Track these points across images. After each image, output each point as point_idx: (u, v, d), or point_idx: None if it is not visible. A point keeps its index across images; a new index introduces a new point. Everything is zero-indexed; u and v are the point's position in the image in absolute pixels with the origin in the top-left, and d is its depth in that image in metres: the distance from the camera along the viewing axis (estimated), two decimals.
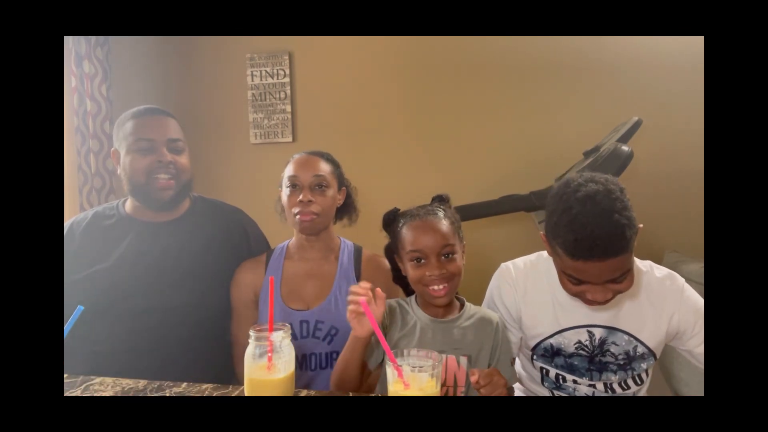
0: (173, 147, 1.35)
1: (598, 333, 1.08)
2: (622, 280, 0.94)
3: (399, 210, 1.14)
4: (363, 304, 0.91)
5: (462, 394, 1.04)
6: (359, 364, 1.01)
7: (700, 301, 1.08)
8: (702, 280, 1.73)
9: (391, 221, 1.13)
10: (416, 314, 1.08)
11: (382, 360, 1.02)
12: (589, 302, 0.98)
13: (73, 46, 2.34)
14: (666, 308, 1.07)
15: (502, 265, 1.20)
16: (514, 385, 1.21)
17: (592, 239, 0.88)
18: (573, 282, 0.97)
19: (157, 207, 1.35)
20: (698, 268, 1.80)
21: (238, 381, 1.25)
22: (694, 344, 1.09)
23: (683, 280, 1.10)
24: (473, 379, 0.89)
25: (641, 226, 0.96)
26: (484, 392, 0.89)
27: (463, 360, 1.04)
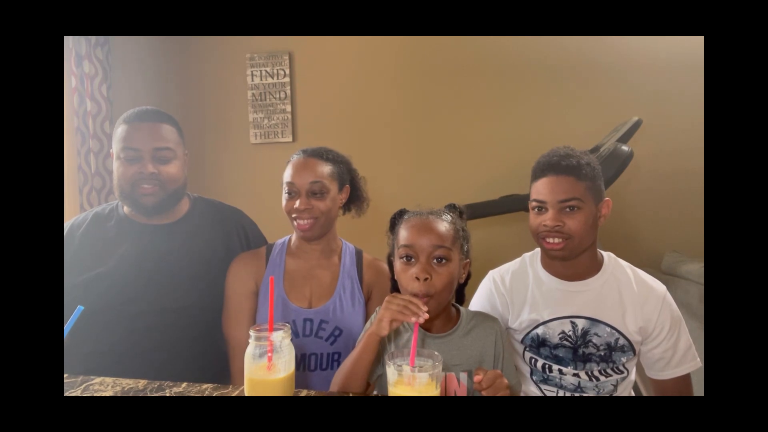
0: (160, 156, 1.32)
1: (581, 324, 1.11)
2: (572, 213, 1.07)
3: (406, 210, 1.08)
4: (416, 326, 0.90)
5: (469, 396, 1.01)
6: (369, 364, 0.97)
7: (677, 311, 1.13)
8: (702, 280, 1.73)
9: (396, 222, 1.07)
10: (408, 329, 1.03)
11: (381, 374, 1.01)
12: (549, 245, 1.10)
13: (73, 46, 2.34)
14: (645, 308, 1.11)
15: (490, 273, 1.24)
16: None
17: (551, 156, 1.11)
18: (535, 211, 1.12)
19: (143, 213, 1.35)
20: (698, 268, 1.80)
21: (236, 382, 1.24)
22: (653, 347, 1.13)
23: (665, 288, 1.14)
24: (477, 378, 0.87)
25: (608, 199, 1.13)
26: (485, 394, 0.88)
27: (463, 376, 1.00)
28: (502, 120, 2.49)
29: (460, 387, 1.00)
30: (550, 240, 1.09)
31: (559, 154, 1.11)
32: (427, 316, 0.91)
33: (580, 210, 1.07)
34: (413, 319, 0.91)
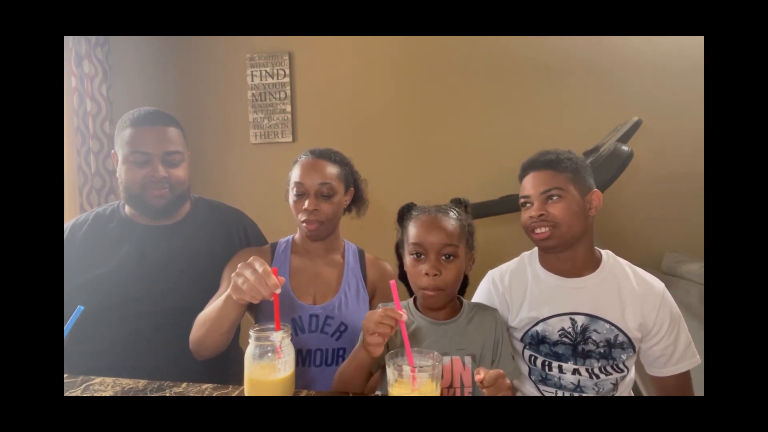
0: (169, 160, 1.33)
1: (580, 320, 1.13)
2: (555, 201, 1.13)
3: (414, 204, 1.13)
4: (402, 325, 0.91)
5: (469, 395, 1.03)
6: (366, 377, 1.01)
7: (676, 308, 1.15)
8: (702, 280, 1.73)
9: (405, 215, 1.12)
10: (415, 317, 1.08)
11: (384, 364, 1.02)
12: (537, 236, 1.14)
13: (73, 46, 2.34)
14: (645, 305, 1.12)
15: (489, 273, 1.26)
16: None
17: (532, 156, 1.19)
18: (524, 207, 1.18)
19: (151, 215, 1.36)
20: (698, 268, 1.80)
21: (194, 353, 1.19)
22: (653, 344, 1.14)
23: (664, 285, 1.16)
24: (478, 378, 0.88)
25: (596, 190, 1.17)
26: (487, 393, 0.88)
27: (468, 360, 1.04)
28: (503, 120, 2.49)
29: (465, 370, 1.04)
30: (538, 231, 1.14)
31: (540, 153, 1.18)
32: (406, 317, 0.93)
33: (562, 198, 1.12)
34: (391, 332, 0.92)
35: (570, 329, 1.12)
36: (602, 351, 1.11)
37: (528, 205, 1.17)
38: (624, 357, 1.12)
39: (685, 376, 1.16)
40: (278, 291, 0.96)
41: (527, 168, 1.19)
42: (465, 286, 1.16)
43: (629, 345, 1.12)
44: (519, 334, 1.17)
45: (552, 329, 1.13)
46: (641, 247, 2.34)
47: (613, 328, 1.11)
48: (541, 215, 1.12)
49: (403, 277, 1.15)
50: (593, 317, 1.12)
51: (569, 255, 1.15)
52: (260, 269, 0.97)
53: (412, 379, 0.83)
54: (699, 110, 2.08)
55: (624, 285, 1.14)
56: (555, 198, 1.12)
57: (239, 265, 1.00)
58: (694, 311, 1.70)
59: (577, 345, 1.12)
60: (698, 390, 1.64)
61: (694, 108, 2.25)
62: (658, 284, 1.15)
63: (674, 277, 1.95)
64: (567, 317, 1.13)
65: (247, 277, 0.97)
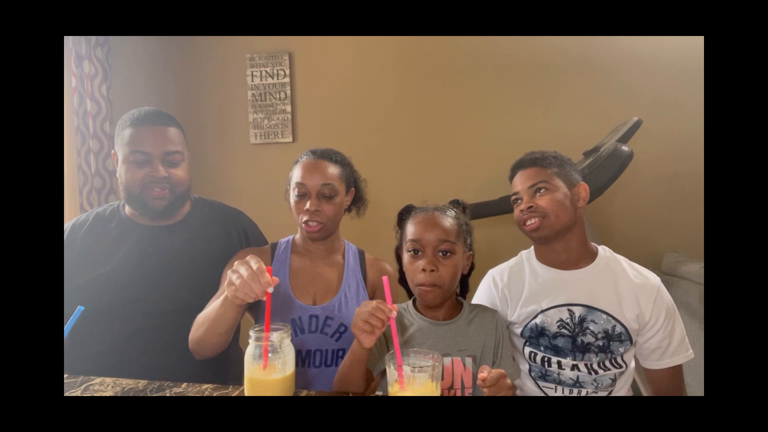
0: (169, 160, 1.33)
1: (578, 311, 1.15)
2: (542, 194, 1.18)
3: (413, 206, 1.14)
4: (392, 322, 0.92)
5: (470, 396, 1.03)
6: (364, 373, 1.01)
7: (671, 301, 1.18)
8: (702, 280, 1.73)
9: (404, 217, 1.13)
10: (414, 319, 1.08)
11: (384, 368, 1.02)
12: (528, 227, 1.18)
13: (73, 46, 2.33)
14: (641, 297, 1.15)
15: (489, 272, 1.29)
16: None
17: (523, 156, 1.26)
18: (515, 202, 1.23)
19: (151, 215, 1.36)
20: (698, 268, 1.80)
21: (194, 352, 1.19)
22: (649, 337, 1.16)
23: (659, 279, 1.19)
24: (482, 376, 0.88)
25: (583, 183, 1.22)
26: (488, 393, 0.88)
27: (469, 361, 1.04)
28: (503, 120, 2.49)
29: (465, 371, 1.05)
30: (528, 222, 1.18)
31: (527, 153, 1.25)
32: (395, 313, 0.93)
33: (548, 191, 1.18)
34: (382, 327, 0.93)
35: (568, 320, 1.14)
36: (600, 344, 1.13)
37: (518, 201, 1.21)
38: (621, 350, 1.13)
39: (679, 369, 1.19)
40: (270, 290, 0.95)
41: (515, 168, 1.25)
42: (465, 292, 1.18)
43: (627, 337, 1.13)
44: (519, 329, 1.19)
45: (551, 320, 1.15)
46: (641, 247, 2.34)
47: (610, 318, 1.13)
48: (530, 207, 1.17)
49: (403, 280, 1.15)
50: (591, 308, 1.14)
51: (563, 247, 1.19)
52: (254, 266, 0.96)
53: (399, 378, 0.83)
54: (699, 110, 2.08)
55: (620, 277, 1.16)
56: (542, 191, 1.18)
57: (235, 263, 1.00)
58: (694, 311, 1.70)
59: (576, 337, 1.14)
60: (698, 389, 1.64)
61: (694, 108, 2.25)
62: (653, 278, 1.18)
63: (674, 277, 1.95)
64: (565, 308, 1.15)
65: (241, 273, 0.97)
